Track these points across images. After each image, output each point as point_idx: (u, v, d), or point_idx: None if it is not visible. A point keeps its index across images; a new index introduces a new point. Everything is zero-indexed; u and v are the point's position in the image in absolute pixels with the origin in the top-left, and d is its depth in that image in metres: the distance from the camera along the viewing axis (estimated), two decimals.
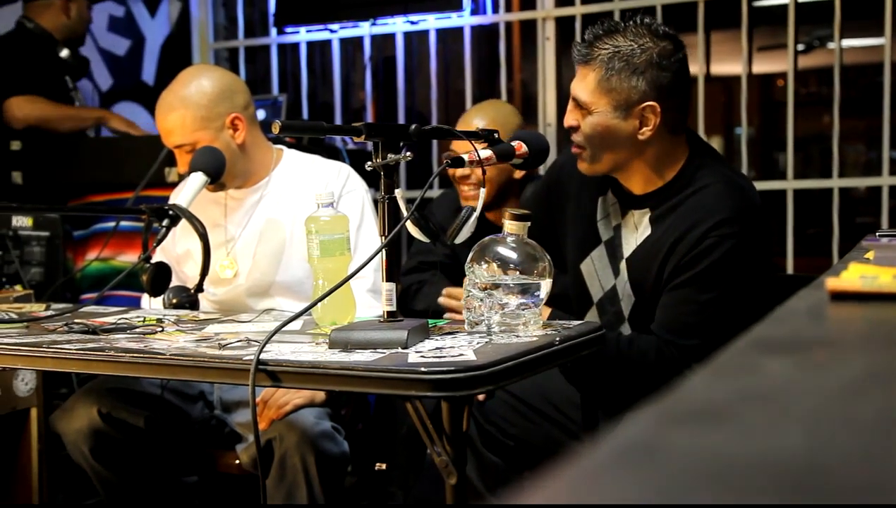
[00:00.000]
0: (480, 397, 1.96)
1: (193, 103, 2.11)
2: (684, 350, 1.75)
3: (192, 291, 2.00)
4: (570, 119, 1.86)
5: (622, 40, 1.80)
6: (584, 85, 1.82)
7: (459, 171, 2.46)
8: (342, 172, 2.22)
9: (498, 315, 1.53)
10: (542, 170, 2.78)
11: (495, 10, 3.75)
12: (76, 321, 1.80)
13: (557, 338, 1.50)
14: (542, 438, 1.98)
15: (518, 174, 2.45)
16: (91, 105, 3.60)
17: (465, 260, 1.59)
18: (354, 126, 1.51)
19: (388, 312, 1.52)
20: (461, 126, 2.56)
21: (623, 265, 1.90)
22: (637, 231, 1.89)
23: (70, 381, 2.69)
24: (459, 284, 1.62)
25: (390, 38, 3.86)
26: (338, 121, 3.94)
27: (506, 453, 2.00)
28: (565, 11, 3.58)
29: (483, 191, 1.57)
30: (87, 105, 3.51)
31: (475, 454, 1.97)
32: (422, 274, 2.58)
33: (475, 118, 2.53)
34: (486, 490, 1.98)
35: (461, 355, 1.36)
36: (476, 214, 1.56)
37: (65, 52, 3.37)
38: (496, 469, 2.00)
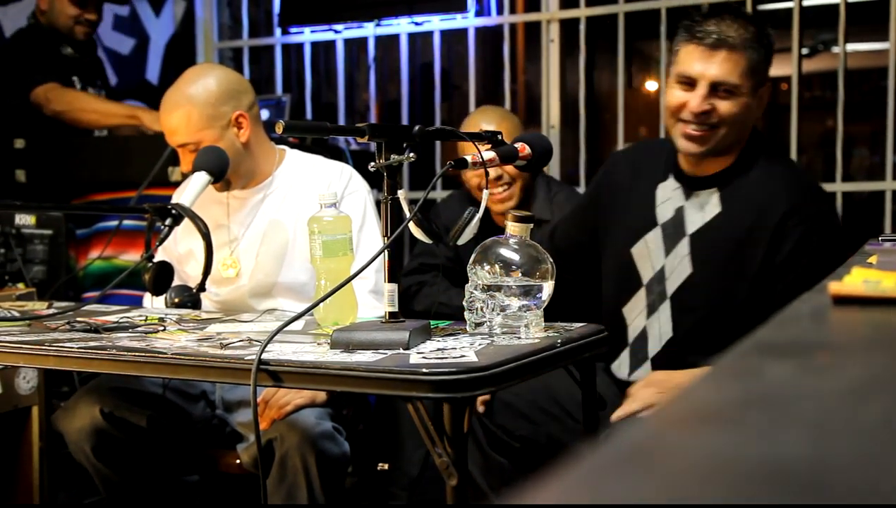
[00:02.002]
0: (481, 400, 1.96)
1: (199, 101, 2.11)
2: None
3: (195, 290, 2.00)
4: (705, 104, 1.88)
5: (752, 27, 1.89)
6: (732, 68, 1.87)
7: (492, 172, 2.47)
8: (344, 173, 2.22)
9: (500, 316, 1.53)
10: (550, 170, 2.77)
11: (500, 11, 3.75)
12: (78, 319, 1.80)
13: (559, 340, 1.49)
14: (548, 439, 1.99)
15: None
16: None
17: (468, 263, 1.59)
18: (358, 126, 1.51)
19: (389, 313, 1.52)
20: (465, 129, 2.56)
21: (685, 241, 1.96)
22: (703, 210, 1.96)
23: (72, 380, 2.69)
24: (461, 287, 1.62)
25: (394, 38, 3.87)
26: (341, 121, 3.94)
27: (512, 454, 2.00)
28: (570, 14, 3.59)
29: (486, 193, 1.57)
30: None
31: (481, 454, 1.97)
32: (422, 275, 2.59)
33: (481, 122, 2.52)
34: (491, 491, 1.98)
35: (463, 356, 1.36)
36: (479, 216, 1.55)
37: (67, 50, 3.29)
38: (501, 469, 2.00)
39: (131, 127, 3.15)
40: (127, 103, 3.47)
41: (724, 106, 1.88)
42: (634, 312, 2.03)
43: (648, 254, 2.01)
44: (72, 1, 3.25)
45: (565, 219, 2.29)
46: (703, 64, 1.88)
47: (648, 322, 1.99)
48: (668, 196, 2.02)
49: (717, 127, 1.90)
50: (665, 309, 1.96)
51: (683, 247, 1.96)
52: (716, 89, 1.88)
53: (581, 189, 3.48)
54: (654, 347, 1.99)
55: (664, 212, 2.01)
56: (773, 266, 1.86)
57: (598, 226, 2.14)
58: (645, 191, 2.05)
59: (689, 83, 1.90)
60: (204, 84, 2.13)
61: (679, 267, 1.96)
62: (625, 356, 2.04)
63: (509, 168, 2.38)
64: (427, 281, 2.57)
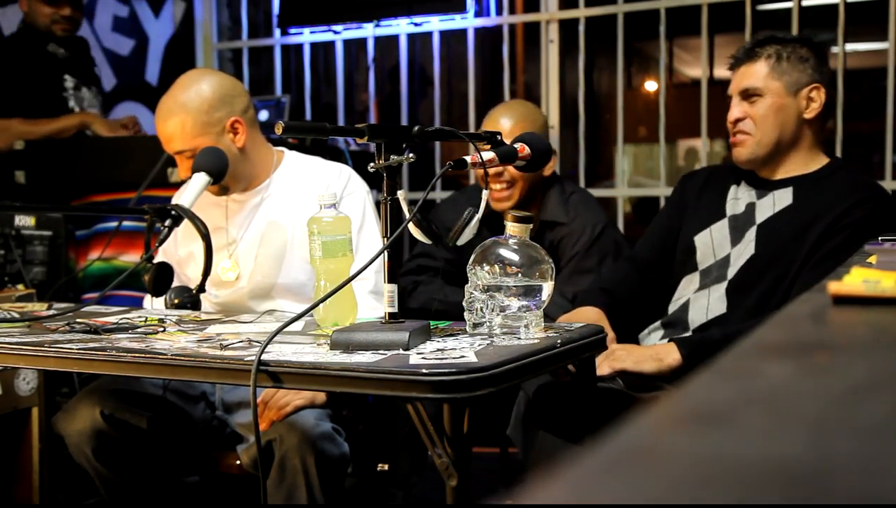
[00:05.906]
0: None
1: (193, 109, 2.10)
2: None
3: (194, 291, 2.00)
4: (737, 112, 2.11)
5: (784, 42, 2.11)
6: (753, 73, 2.09)
7: (491, 170, 2.52)
8: (343, 174, 2.22)
9: (499, 317, 1.53)
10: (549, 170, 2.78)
11: (499, 12, 3.76)
12: (78, 320, 1.80)
13: (559, 341, 1.49)
14: None
15: (546, 171, 2.54)
16: (96, 105, 3.53)
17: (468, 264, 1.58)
18: (357, 127, 1.51)
19: (389, 313, 1.52)
20: (487, 124, 2.56)
21: (753, 229, 2.08)
22: (775, 204, 2.10)
23: (71, 381, 2.69)
24: (460, 287, 1.62)
25: (394, 39, 3.87)
26: (341, 122, 3.95)
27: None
28: (569, 14, 3.59)
29: (486, 193, 1.57)
30: (84, 107, 3.40)
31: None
32: (418, 275, 2.61)
33: (502, 117, 2.54)
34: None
35: (462, 357, 1.36)
36: (478, 217, 1.55)
37: (57, 50, 3.32)
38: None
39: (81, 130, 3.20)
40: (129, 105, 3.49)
41: (753, 108, 2.09)
42: (682, 291, 2.16)
43: (711, 242, 2.14)
44: (44, 1, 3.30)
45: (645, 236, 2.37)
46: (733, 83, 2.14)
47: (695, 296, 2.11)
48: (739, 195, 2.17)
49: (752, 131, 2.09)
50: (719, 288, 2.07)
51: (751, 233, 2.08)
52: (745, 98, 2.10)
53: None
54: (697, 319, 2.08)
55: (734, 207, 2.15)
56: (825, 238, 1.97)
57: (678, 228, 2.25)
58: (715, 194, 2.21)
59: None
60: (197, 90, 2.12)
61: (744, 252, 2.07)
62: (656, 325, 2.16)
63: (512, 169, 2.40)
64: (423, 280, 2.59)
